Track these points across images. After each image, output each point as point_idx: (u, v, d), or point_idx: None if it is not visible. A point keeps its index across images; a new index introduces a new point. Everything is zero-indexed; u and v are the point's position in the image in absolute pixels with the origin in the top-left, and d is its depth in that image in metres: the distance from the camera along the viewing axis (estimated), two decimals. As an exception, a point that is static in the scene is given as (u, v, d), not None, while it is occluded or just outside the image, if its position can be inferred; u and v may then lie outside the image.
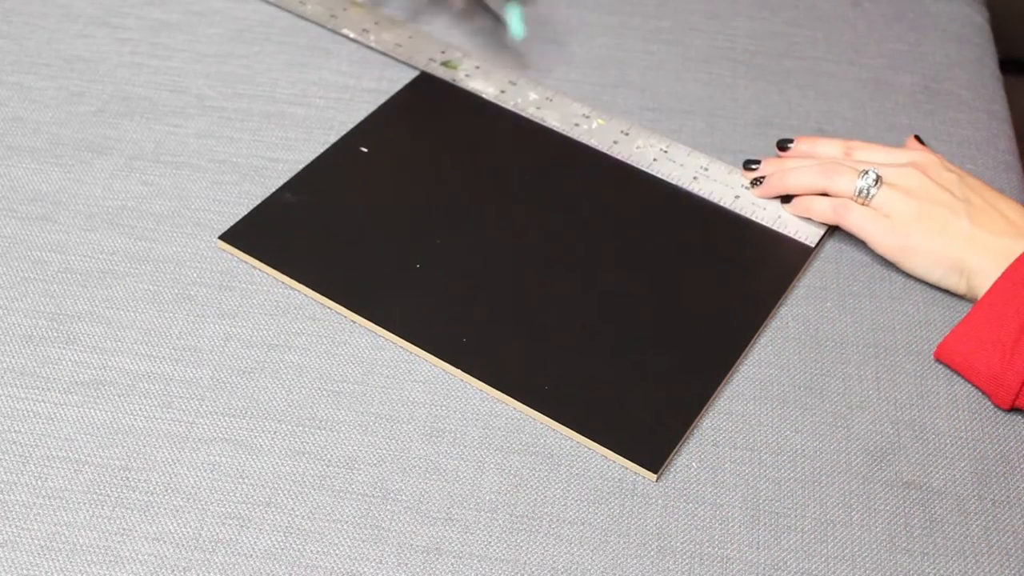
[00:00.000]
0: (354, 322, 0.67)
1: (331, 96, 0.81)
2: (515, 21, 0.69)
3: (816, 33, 0.89)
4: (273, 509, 0.59)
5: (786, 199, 0.74)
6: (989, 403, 0.65)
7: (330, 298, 0.67)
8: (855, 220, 0.70)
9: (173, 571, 0.56)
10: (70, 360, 0.65)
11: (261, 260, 0.69)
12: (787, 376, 0.66)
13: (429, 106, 0.80)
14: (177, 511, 0.58)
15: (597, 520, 0.59)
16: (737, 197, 0.75)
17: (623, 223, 0.73)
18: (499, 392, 0.63)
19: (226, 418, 0.62)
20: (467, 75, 0.82)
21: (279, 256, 0.69)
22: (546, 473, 0.61)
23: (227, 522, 0.58)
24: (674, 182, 0.76)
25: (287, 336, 0.66)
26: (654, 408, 0.63)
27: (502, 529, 0.59)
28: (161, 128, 0.78)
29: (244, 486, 0.60)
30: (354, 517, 0.59)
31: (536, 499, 0.60)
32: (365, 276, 0.68)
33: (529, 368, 0.64)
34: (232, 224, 0.71)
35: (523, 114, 0.80)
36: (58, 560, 0.56)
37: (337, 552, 0.57)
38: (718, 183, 0.76)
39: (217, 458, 0.61)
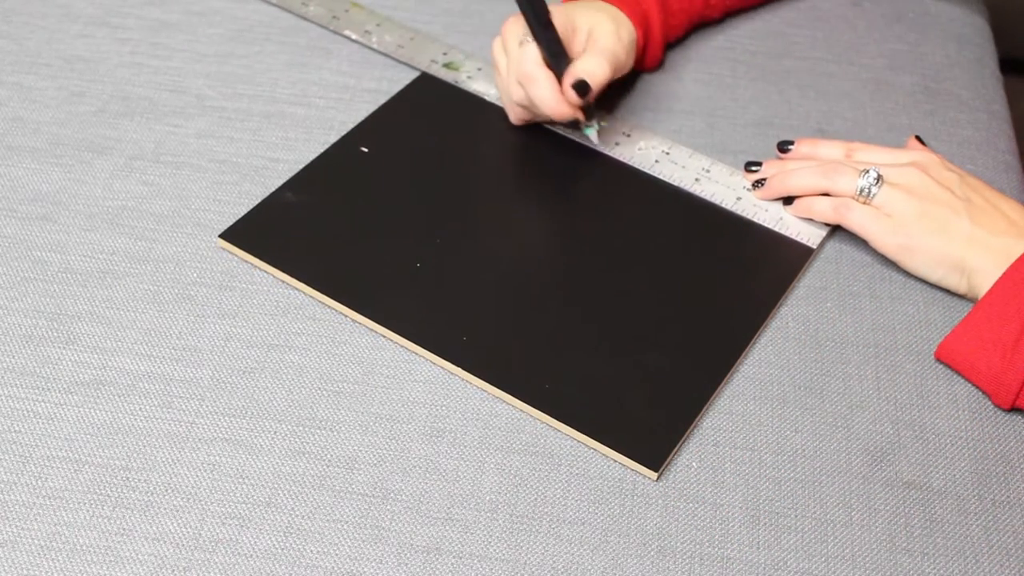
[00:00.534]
0: (354, 321, 0.67)
1: (331, 96, 0.81)
2: (592, 134, 0.76)
3: (816, 33, 0.89)
4: (273, 509, 0.59)
5: (788, 200, 0.74)
6: (989, 403, 0.65)
7: (330, 296, 0.67)
8: (856, 219, 0.70)
9: (173, 571, 0.56)
10: (70, 360, 0.65)
11: (261, 258, 0.69)
12: (787, 376, 0.66)
13: (430, 106, 0.80)
14: (177, 511, 0.58)
15: (597, 520, 0.59)
16: (739, 199, 0.75)
17: (625, 223, 0.73)
18: (500, 391, 0.63)
19: (226, 418, 0.62)
20: (469, 77, 0.82)
21: (279, 255, 0.69)
22: (546, 473, 0.61)
23: (227, 522, 0.58)
24: (676, 183, 0.76)
25: (287, 336, 0.66)
26: (655, 407, 0.63)
27: (502, 529, 0.59)
28: (161, 128, 0.78)
29: (244, 486, 0.60)
30: (354, 517, 0.59)
31: (536, 499, 0.60)
32: (365, 275, 0.68)
33: (530, 367, 0.64)
34: (232, 223, 0.71)
35: (523, 114, 0.80)
36: (58, 560, 0.56)
37: (337, 552, 0.57)
38: (720, 185, 0.76)
39: (217, 458, 0.61)
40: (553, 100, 0.72)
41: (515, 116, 0.77)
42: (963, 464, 0.62)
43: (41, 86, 0.81)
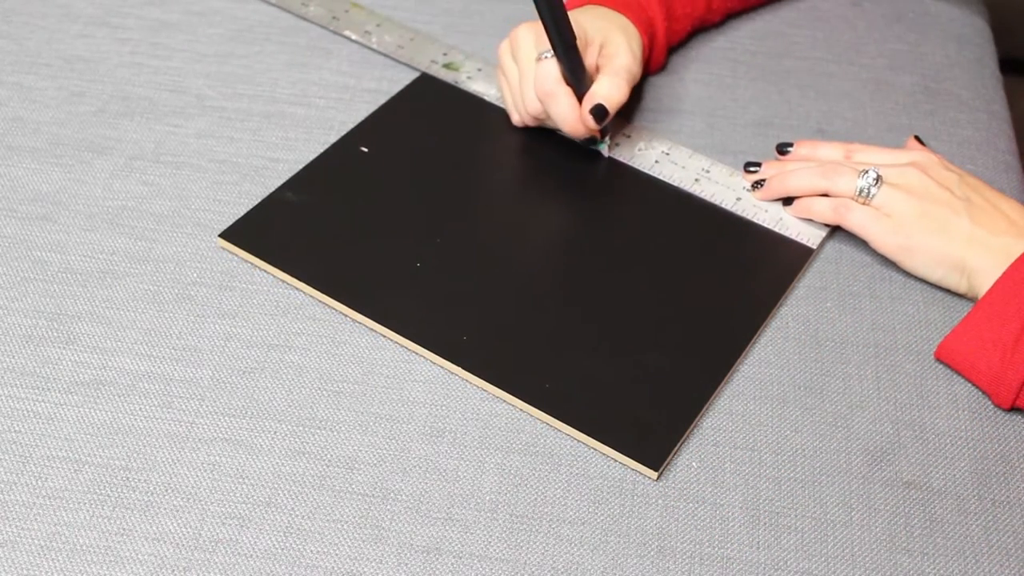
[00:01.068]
0: (354, 321, 0.67)
1: (331, 96, 0.81)
2: (603, 149, 0.77)
3: (816, 33, 0.89)
4: (273, 509, 0.59)
5: (787, 201, 0.74)
6: (989, 403, 0.65)
7: (330, 296, 0.67)
8: (856, 220, 0.70)
9: (173, 571, 0.56)
10: (70, 360, 0.65)
11: (261, 258, 0.69)
12: (787, 376, 0.66)
13: (430, 106, 0.80)
14: (177, 511, 0.58)
15: (597, 520, 0.59)
16: (739, 199, 0.75)
17: (625, 224, 0.73)
18: (500, 390, 0.63)
19: (226, 418, 0.62)
20: (469, 77, 0.82)
21: (279, 254, 0.69)
22: (546, 473, 0.61)
23: (227, 522, 0.58)
24: (676, 184, 0.76)
25: (287, 336, 0.66)
26: (655, 407, 0.63)
27: (502, 529, 0.59)
28: (161, 128, 0.78)
29: (244, 486, 0.60)
30: (354, 517, 0.59)
31: (536, 499, 0.60)
32: (365, 274, 0.68)
33: (530, 367, 0.64)
34: (232, 223, 0.71)
35: (523, 114, 0.80)
36: (58, 560, 0.56)
37: (337, 552, 0.57)
38: (720, 185, 0.76)
39: (217, 458, 0.61)
40: (572, 118, 0.73)
41: (519, 120, 0.77)
42: (963, 464, 0.62)
43: (41, 86, 0.81)
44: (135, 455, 0.61)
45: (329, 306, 0.68)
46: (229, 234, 0.71)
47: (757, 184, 0.75)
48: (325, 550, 0.57)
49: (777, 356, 0.67)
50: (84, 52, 0.83)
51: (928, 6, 0.92)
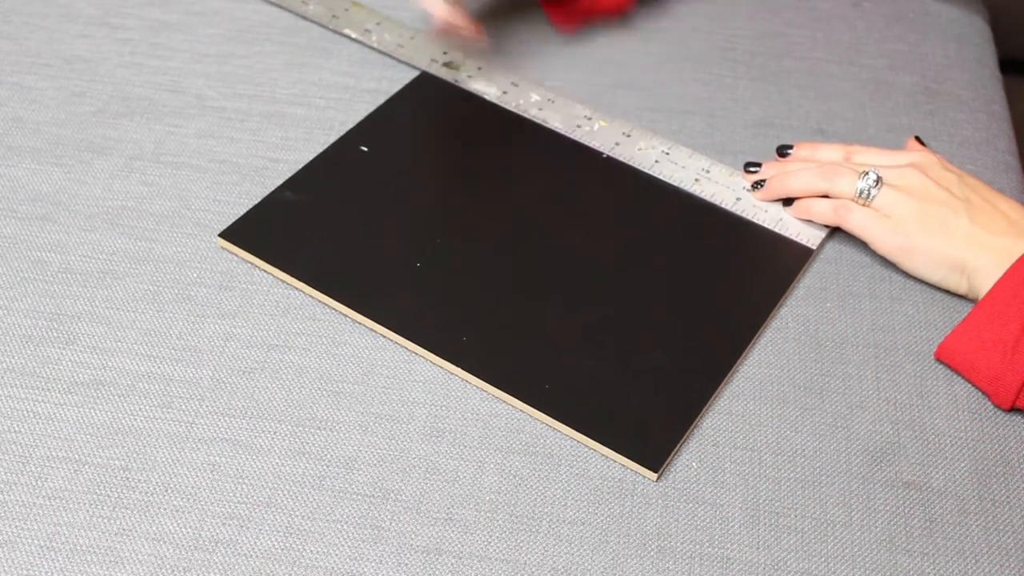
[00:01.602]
0: (354, 321, 0.67)
1: (331, 96, 0.81)
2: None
3: (816, 33, 0.89)
4: (273, 509, 0.59)
5: (787, 202, 0.74)
6: (989, 403, 0.65)
7: (330, 296, 0.67)
8: (856, 221, 0.70)
9: (173, 571, 0.56)
10: (70, 360, 0.65)
11: (261, 257, 0.69)
12: (787, 376, 0.66)
13: (430, 106, 0.80)
14: (177, 511, 0.58)
15: (597, 520, 0.59)
16: (738, 199, 0.75)
17: (624, 224, 0.73)
18: (499, 391, 0.63)
19: (226, 418, 0.62)
20: (469, 76, 0.82)
21: (279, 254, 0.69)
22: (546, 473, 0.61)
23: (227, 522, 0.58)
24: (676, 184, 0.76)
25: (287, 336, 0.66)
26: (655, 407, 0.63)
27: (502, 529, 0.59)
28: (161, 128, 0.78)
29: (244, 486, 0.60)
30: (354, 517, 0.59)
31: (536, 499, 0.60)
32: (365, 274, 0.69)
33: (530, 367, 0.64)
34: (232, 223, 0.71)
35: (525, 115, 0.80)
36: (58, 560, 0.56)
37: (337, 552, 0.57)
38: (720, 185, 0.76)
39: (217, 458, 0.61)
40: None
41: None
42: (963, 464, 0.62)
43: (41, 86, 0.81)
44: (135, 455, 0.61)
45: (329, 306, 0.68)
46: (229, 234, 0.71)
47: (757, 184, 0.75)
48: (325, 550, 0.57)
49: (777, 356, 0.67)
50: (84, 52, 0.83)
51: (928, 6, 0.92)
